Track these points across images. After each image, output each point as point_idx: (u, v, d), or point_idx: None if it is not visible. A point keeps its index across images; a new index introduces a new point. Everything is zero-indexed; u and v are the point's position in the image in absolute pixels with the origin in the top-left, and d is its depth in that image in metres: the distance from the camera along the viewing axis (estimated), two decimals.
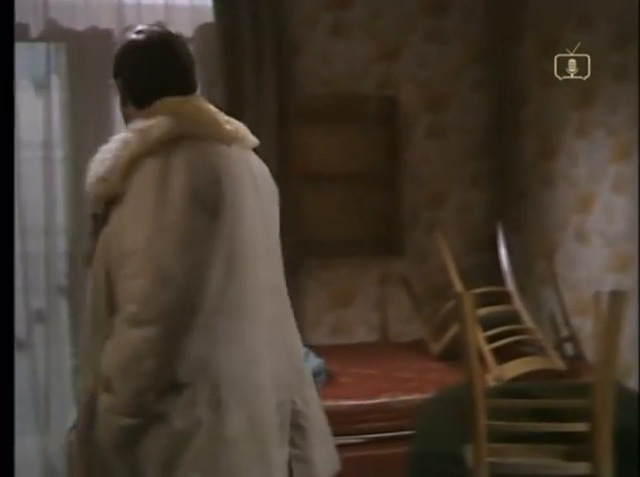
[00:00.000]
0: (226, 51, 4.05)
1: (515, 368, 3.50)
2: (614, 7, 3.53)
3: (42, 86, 3.97)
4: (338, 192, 4.32)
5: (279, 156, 4.13)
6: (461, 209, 4.53)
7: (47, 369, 3.95)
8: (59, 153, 4.01)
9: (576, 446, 2.62)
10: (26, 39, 3.83)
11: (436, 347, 3.99)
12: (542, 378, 3.49)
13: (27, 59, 3.99)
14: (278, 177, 4.01)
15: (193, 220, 1.89)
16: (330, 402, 3.34)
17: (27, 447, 3.82)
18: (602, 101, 3.65)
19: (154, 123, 1.98)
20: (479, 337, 3.34)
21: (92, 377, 1.96)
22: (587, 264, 3.80)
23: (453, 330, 3.71)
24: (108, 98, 3.91)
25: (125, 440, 1.87)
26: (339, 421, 3.24)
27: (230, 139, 2.06)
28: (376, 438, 3.37)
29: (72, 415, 3.20)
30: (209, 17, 4.05)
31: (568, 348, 3.93)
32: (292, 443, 2.09)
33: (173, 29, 3.86)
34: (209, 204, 1.92)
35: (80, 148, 3.93)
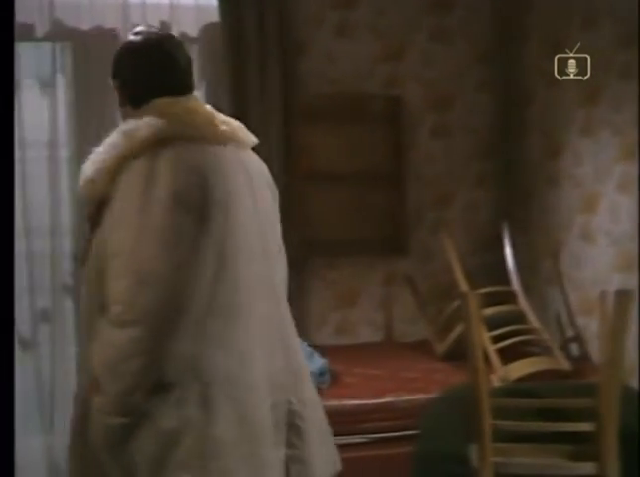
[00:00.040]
0: (231, 50, 4.05)
1: (520, 368, 3.49)
2: (619, 6, 3.52)
3: (47, 86, 3.97)
4: (343, 191, 4.31)
5: (284, 156, 4.13)
6: (466, 208, 4.52)
7: (51, 368, 3.96)
8: (64, 153, 4.01)
9: (582, 446, 2.62)
10: (31, 38, 3.85)
11: (441, 347, 3.98)
12: (547, 378, 3.48)
13: (32, 58, 4.00)
14: (283, 176, 4.09)
15: (177, 220, 1.90)
16: (334, 402, 3.36)
17: (31, 446, 3.82)
18: (608, 101, 3.65)
19: (140, 125, 2.00)
20: (484, 337, 3.33)
21: (87, 376, 1.98)
22: (593, 264, 3.80)
23: (458, 330, 3.70)
24: (114, 98, 3.91)
25: (116, 440, 1.89)
26: (343, 421, 3.26)
27: (224, 139, 2.07)
28: (380, 438, 3.37)
29: None
30: (214, 16, 4.05)
31: (574, 348, 3.92)
32: (289, 444, 2.08)
33: (178, 28, 3.97)
34: (195, 204, 1.93)
35: (86, 148, 3.87)
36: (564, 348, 3.88)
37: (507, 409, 2.70)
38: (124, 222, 1.92)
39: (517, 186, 4.44)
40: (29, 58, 3.97)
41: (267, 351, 2.05)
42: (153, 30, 2.20)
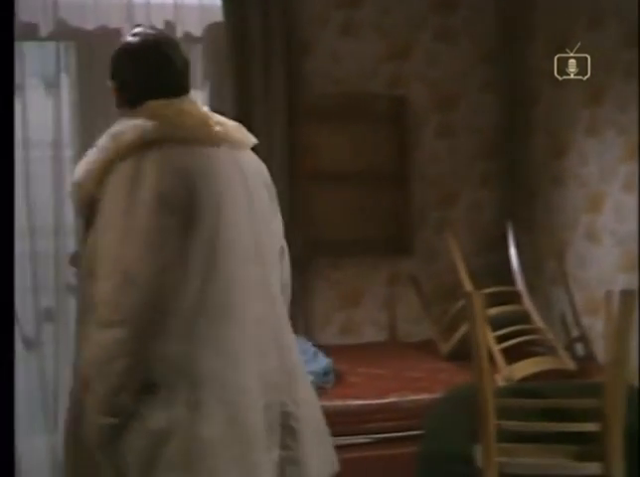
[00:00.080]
0: (235, 50, 4.05)
1: (525, 368, 3.48)
2: (624, 6, 3.51)
3: (51, 86, 3.98)
4: (347, 191, 4.31)
5: (288, 155, 4.13)
6: (471, 208, 4.51)
7: (56, 368, 3.96)
8: (68, 152, 4.01)
9: (587, 446, 2.61)
10: (36, 38, 3.85)
11: (445, 347, 3.98)
12: (552, 378, 3.48)
13: (37, 58, 4.00)
14: (287, 176, 4.08)
15: (162, 222, 1.92)
16: (339, 402, 3.36)
17: (36, 446, 3.83)
18: (613, 100, 3.64)
19: (127, 128, 2.02)
20: (489, 337, 3.32)
21: (79, 376, 2.00)
22: (598, 264, 3.79)
23: (462, 330, 3.70)
24: None
25: (105, 439, 1.91)
26: (348, 421, 3.27)
27: (218, 140, 2.08)
28: (384, 438, 3.36)
29: None
30: (218, 16, 4.05)
31: (579, 348, 3.91)
32: (283, 445, 2.07)
33: (182, 28, 3.97)
34: (180, 206, 1.94)
35: (90, 147, 3.92)
36: (569, 348, 3.87)
37: (511, 409, 2.70)
38: (110, 224, 1.94)
39: (521, 186, 4.44)
40: (33, 57, 3.97)
41: (260, 351, 2.05)
42: (150, 31, 2.22)
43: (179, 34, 3.96)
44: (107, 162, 1.99)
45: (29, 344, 3.94)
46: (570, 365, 3.62)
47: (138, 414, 1.90)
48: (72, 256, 2.12)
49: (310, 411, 2.17)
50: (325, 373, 3.55)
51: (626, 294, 2.59)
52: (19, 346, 3.89)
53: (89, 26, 3.90)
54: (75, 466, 2.02)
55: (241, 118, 3.92)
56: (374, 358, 4.02)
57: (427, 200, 4.46)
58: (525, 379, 3.41)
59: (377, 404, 3.43)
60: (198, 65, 4.12)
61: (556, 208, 4.11)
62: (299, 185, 4.17)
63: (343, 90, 4.32)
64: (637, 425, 2.71)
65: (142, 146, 1.98)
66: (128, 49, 2.16)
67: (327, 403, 3.26)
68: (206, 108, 2.17)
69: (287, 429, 2.08)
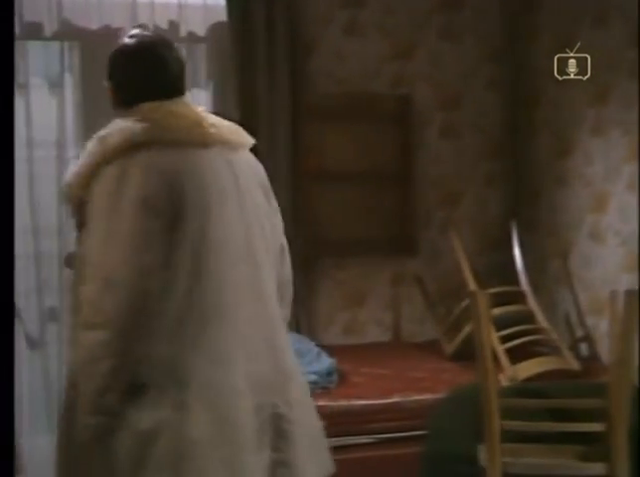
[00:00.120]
0: (239, 50, 4.04)
1: (529, 368, 3.48)
2: (628, 6, 3.50)
3: (55, 85, 3.98)
4: (351, 191, 4.30)
5: (292, 155, 4.12)
6: (475, 208, 4.51)
7: (60, 367, 3.95)
8: (72, 152, 4.01)
9: (592, 447, 2.61)
10: (40, 38, 3.86)
11: (449, 347, 3.97)
12: (556, 378, 3.47)
13: (41, 58, 4.00)
14: (291, 176, 4.08)
15: (146, 225, 1.92)
16: (342, 402, 3.35)
17: (39, 446, 3.82)
18: (617, 100, 3.63)
19: (113, 131, 2.03)
20: (493, 337, 3.32)
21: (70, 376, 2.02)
22: (602, 264, 3.78)
23: (467, 330, 3.69)
24: None
25: (94, 439, 1.91)
26: (351, 421, 3.27)
27: (211, 142, 2.07)
28: (388, 438, 3.35)
29: None
30: (222, 16, 4.05)
31: (583, 348, 3.90)
32: (274, 447, 2.05)
33: (186, 28, 3.97)
34: (166, 209, 1.94)
35: None
36: (574, 348, 3.86)
37: (516, 409, 2.69)
38: (95, 226, 1.95)
39: (526, 185, 4.43)
40: (37, 57, 3.97)
41: (252, 352, 2.04)
42: (147, 33, 2.24)
43: (183, 33, 3.97)
44: (94, 165, 2.00)
45: (33, 344, 3.95)
46: (575, 365, 3.62)
47: (127, 415, 1.91)
48: (66, 257, 2.14)
49: (304, 413, 2.15)
50: (328, 373, 3.54)
51: (631, 294, 2.59)
52: (23, 345, 3.89)
53: (94, 26, 3.91)
54: (67, 465, 2.02)
55: (245, 118, 3.93)
56: (377, 358, 4.02)
57: (432, 200, 4.46)
58: (529, 379, 3.41)
59: (380, 405, 3.42)
60: (202, 64, 4.12)
61: (560, 208, 4.10)
62: (303, 185, 4.16)
63: (347, 90, 4.32)
64: None
65: (128, 149, 1.98)
66: (124, 50, 2.17)
67: (330, 403, 3.28)
68: (202, 109, 2.17)
69: (279, 431, 2.05)
